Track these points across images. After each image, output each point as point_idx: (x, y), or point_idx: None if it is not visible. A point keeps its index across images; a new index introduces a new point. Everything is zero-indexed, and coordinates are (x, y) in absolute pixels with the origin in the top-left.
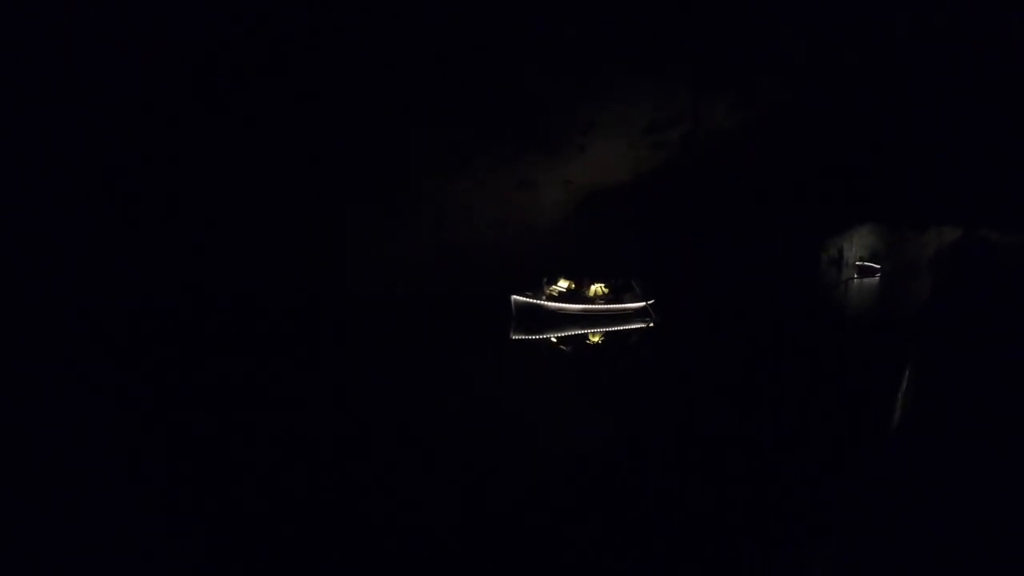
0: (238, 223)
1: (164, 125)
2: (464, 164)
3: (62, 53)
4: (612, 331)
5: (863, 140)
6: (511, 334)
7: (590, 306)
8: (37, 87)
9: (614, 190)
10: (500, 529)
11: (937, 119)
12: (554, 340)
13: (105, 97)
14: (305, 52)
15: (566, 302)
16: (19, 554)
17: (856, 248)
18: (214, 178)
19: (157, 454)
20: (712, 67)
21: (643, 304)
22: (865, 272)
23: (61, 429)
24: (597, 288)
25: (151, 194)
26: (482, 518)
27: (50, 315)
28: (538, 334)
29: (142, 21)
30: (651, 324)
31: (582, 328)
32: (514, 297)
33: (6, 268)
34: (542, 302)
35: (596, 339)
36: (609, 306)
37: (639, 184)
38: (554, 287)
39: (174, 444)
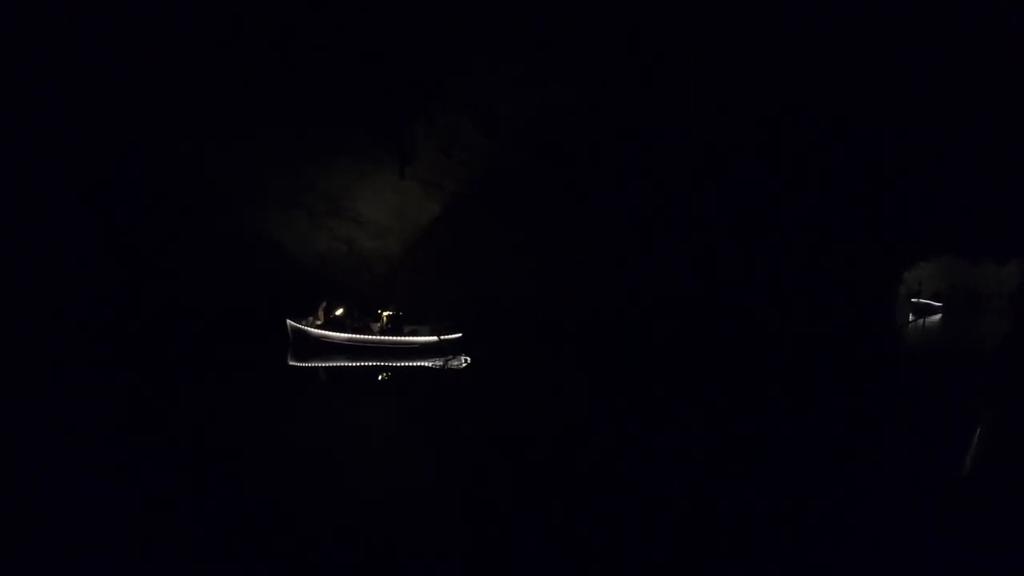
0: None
1: (164, 125)
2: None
3: (62, 53)
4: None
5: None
6: (288, 360)
7: (356, 336)
8: (37, 87)
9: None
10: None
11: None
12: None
13: (105, 97)
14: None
15: (332, 330)
16: (19, 554)
17: (919, 284)
18: (213, 177)
19: (154, 453)
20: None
21: (435, 339)
22: (924, 311)
23: (60, 429)
24: (385, 317)
25: (150, 195)
26: None
27: (50, 315)
28: (308, 362)
29: (142, 21)
30: (458, 364)
31: (358, 360)
32: (289, 322)
33: (6, 268)
34: (308, 329)
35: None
36: (385, 338)
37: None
38: (331, 314)
39: (171, 444)
